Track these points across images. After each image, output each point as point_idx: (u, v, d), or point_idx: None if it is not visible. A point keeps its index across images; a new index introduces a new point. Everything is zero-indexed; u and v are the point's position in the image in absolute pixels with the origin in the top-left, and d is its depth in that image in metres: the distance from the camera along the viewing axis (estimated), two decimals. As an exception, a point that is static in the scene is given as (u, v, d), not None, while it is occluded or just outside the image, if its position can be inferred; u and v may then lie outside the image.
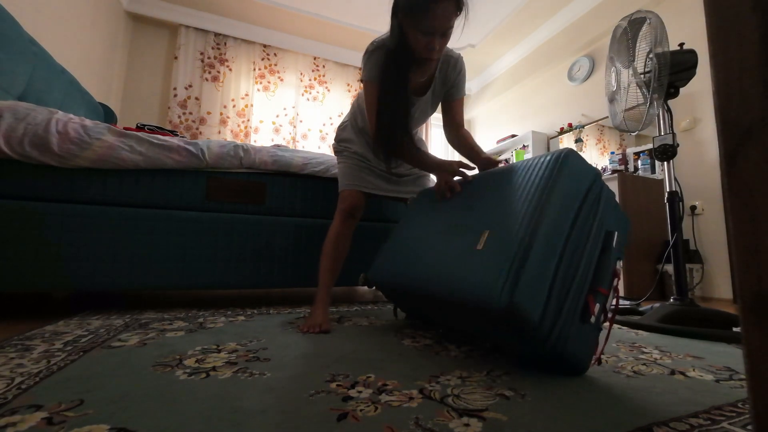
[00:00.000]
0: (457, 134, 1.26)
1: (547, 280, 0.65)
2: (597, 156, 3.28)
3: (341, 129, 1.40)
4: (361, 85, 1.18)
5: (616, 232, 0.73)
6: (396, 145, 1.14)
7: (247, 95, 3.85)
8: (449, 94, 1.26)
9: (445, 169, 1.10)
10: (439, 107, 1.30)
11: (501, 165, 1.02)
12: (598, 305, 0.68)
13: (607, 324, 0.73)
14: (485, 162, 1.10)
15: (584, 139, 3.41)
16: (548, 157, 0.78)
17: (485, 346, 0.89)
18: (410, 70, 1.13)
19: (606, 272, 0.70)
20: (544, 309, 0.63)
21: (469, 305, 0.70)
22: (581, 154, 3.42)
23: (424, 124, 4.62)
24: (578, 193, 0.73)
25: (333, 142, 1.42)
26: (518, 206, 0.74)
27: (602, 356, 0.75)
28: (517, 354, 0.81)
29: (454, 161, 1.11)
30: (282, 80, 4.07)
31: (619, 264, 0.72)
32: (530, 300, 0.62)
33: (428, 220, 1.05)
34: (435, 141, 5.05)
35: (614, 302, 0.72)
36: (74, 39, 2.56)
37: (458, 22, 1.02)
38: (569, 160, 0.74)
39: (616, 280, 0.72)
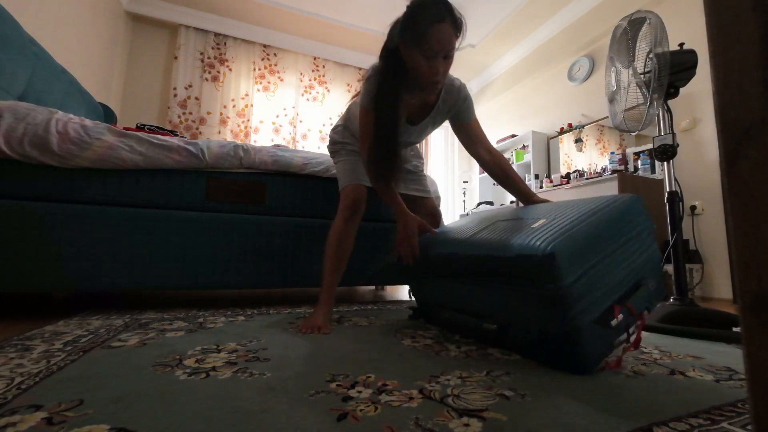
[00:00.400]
0: (490, 157, 1.22)
1: (585, 262, 0.70)
2: (597, 156, 3.28)
3: (334, 132, 1.38)
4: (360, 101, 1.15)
5: (655, 281, 0.81)
6: (390, 172, 1.11)
7: (247, 95, 3.85)
8: (460, 118, 1.22)
9: (406, 224, 1.10)
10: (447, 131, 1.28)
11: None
12: (621, 315, 0.73)
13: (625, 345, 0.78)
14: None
15: (584, 139, 3.41)
16: (616, 195, 0.87)
17: (486, 342, 0.89)
18: (411, 96, 1.10)
19: (637, 298, 0.77)
20: (576, 280, 0.68)
21: (506, 257, 0.76)
22: (581, 154, 3.42)
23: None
24: (632, 227, 0.80)
25: (328, 144, 1.41)
26: (575, 211, 0.81)
27: (606, 360, 0.76)
28: (520, 344, 0.82)
29: (415, 221, 1.12)
30: (282, 80, 4.07)
31: (645, 313, 0.79)
32: (567, 263, 0.68)
33: (474, 218, 1.14)
34: (434, 141, 5.05)
35: (634, 336, 0.76)
36: (74, 39, 2.56)
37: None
38: (634, 199, 0.83)
39: (640, 321, 0.77)
